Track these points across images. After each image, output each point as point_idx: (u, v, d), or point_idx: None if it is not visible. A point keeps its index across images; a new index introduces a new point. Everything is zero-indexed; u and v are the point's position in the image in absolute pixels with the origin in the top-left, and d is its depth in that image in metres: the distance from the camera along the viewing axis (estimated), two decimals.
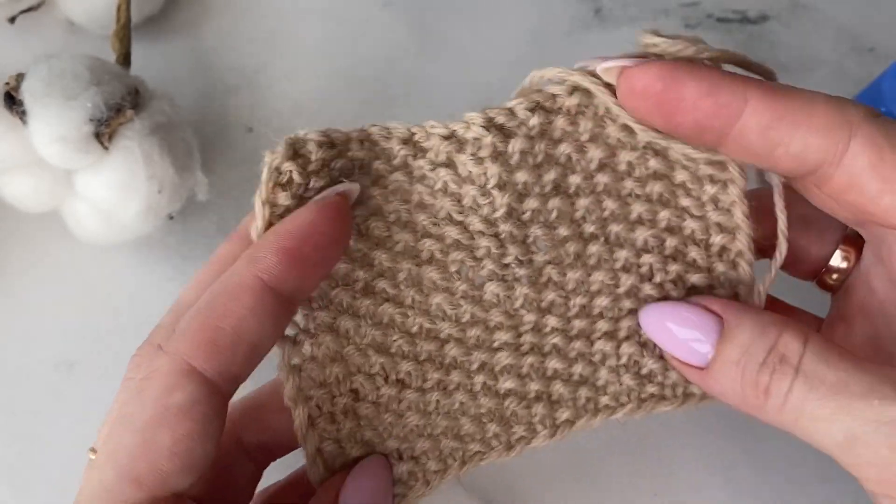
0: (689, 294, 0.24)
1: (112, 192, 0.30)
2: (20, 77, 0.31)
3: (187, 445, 0.19)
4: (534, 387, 0.24)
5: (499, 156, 0.23)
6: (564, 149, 0.23)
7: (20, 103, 0.30)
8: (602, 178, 0.23)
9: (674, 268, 0.24)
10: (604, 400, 0.25)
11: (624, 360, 0.24)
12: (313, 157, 0.22)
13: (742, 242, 0.24)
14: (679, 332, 0.22)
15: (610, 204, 0.24)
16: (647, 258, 0.24)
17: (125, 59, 0.35)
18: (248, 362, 0.20)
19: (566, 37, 0.40)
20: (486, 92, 0.39)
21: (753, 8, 0.41)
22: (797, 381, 0.19)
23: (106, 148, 0.30)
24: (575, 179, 0.23)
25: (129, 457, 0.19)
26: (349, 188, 0.22)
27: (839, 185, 0.21)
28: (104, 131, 0.30)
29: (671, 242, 0.24)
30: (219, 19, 0.39)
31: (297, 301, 0.21)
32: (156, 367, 0.20)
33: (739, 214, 0.23)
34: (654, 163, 0.23)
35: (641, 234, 0.24)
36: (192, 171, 0.32)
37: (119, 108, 0.30)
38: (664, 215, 0.24)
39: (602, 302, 0.24)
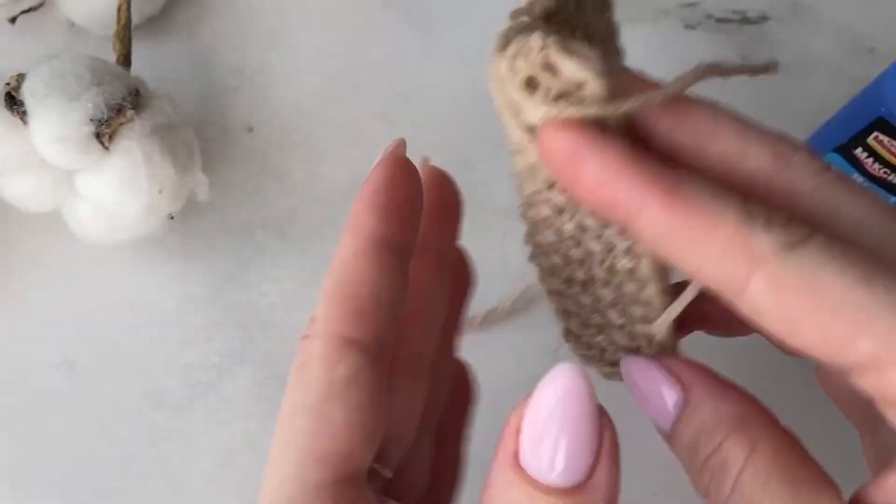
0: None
1: (113, 193, 0.30)
2: (21, 77, 0.31)
3: (362, 416, 0.18)
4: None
5: None
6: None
7: (21, 104, 0.30)
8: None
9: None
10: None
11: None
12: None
13: (656, 315, 0.21)
14: (648, 393, 0.20)
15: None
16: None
17: (126, 59, 0.35)
18: (393, 322, 0.20)
19: None
20: (485, 92, 0.39)
21: (753, 8, 0.41)
22: (731, 498, 0.17)
23: (107, 148, 0.30)
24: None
25: (307, 438, 0.18)
26: (398, 143, 0.23)
27: (746, 314, 0.17)
28: (105, 131, 0.30)
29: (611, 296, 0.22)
30: (219, 20, 0.39)
31: (409, 250, 0.21)
32: (310, 351, 0.19)
33: (652, 289, 0.21)
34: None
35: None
36: (192, 171, 0.32)
37: (120, 108, 0.30)
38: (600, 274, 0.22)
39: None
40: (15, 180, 0.31)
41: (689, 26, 0.41)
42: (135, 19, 0.36)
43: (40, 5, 0.37)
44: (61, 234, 0.33)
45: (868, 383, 0.16)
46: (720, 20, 0.41)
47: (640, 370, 0.20)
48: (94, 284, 0.34)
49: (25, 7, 0.37)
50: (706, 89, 0.41)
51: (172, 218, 0.33)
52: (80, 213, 0.32)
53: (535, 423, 0.17)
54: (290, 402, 0.19)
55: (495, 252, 0.36)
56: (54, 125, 0.29)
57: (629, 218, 0.17)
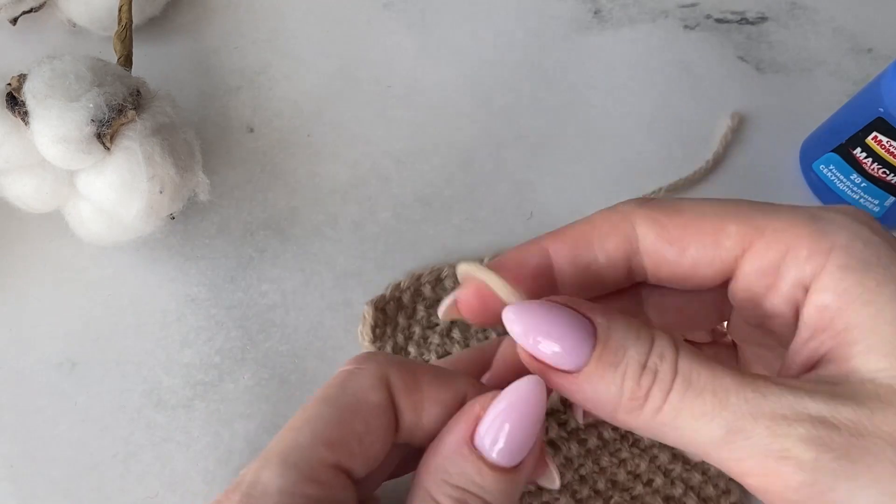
0: None
1: (114, 193, 0.30)
2: (22, 78, 0.31)
3: (373, 439, 0.21)
4: None
5: None
6: None
7: (22, 104, 0.30)
8: None
9: None
10: None
11: None
12: None
13: None
14: (551, 334, 0.21)
15: None
16: None
17: (127, 60, 0.35)
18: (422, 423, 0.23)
19: (565, 37, 0.40)
20: (486, 92, 0.39)
21: (752, 9, 0.41)
22: (676, 382, 0.19)
23: (108, 148, 0.30)
24: None
25: (326, 425, 0.21)
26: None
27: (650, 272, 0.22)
28: (106, 132, 0.30)
29: None
30: (220, 20, 0.40)
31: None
32: (364, 366, 0.22)
33: None
34: None
35: None
36: (193, 171, 0.32)
37: (121, 108, 0.30)
38: None
39: None
40: (16, 180, 0.31)
41: (688, 27, 0.41)
42: (136, 20, 0.36)
43: (42, 6, 0.37)
44: (62, 233, 0.33)
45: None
46: (719, 20, 0.41)
47: (539, 312, 0.21)
48: (95, 284, 0.34)
49: (27, 8, 0.37)
50: (708, 86, 0.42)
51: (173, 218, 0.33)
52: (81, 213, 0.32)
53: (496, 414, 0.21)
54: (325, 394, 0.22)
55: (495, 250, 0.36)
56: (55, 126, 0.29)
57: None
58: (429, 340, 0.33)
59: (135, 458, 0.32)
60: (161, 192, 0.31)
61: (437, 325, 0.33)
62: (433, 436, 0.23)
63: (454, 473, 0.21)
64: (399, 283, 0.34)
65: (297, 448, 0.21)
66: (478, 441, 0.21)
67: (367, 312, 0.33)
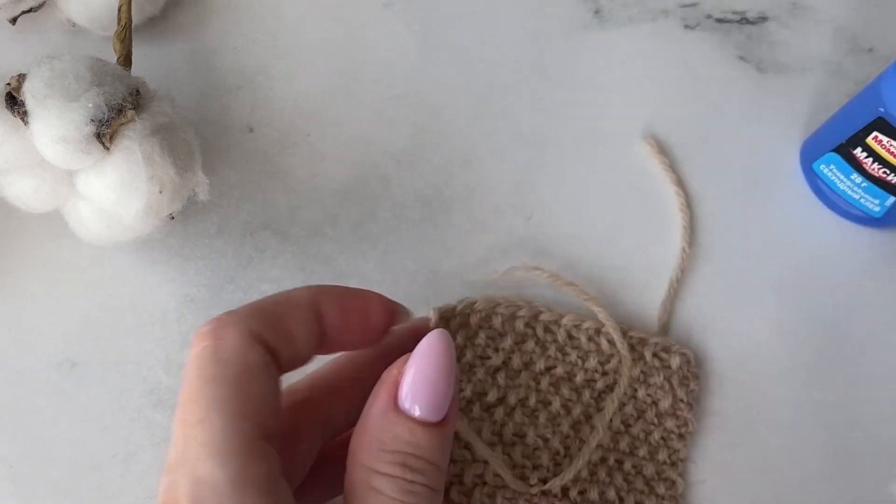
0: None
1: (113, 193, 0.30)
2: (22, 78, 0.31)
3: (274, 399, 0.22)
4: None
5: None
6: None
7: (22, 104, 0.30)
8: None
9: None
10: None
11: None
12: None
13: None
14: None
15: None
16: None
17: (126, 59, 0.35)
18: (302, 353, 0.23)
19: (565, 37, 0.40)
20: (486, 92, 0.39)
21: (752, 9, 0.41)
22: None
23: (107, 148, 0.30)
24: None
25: (233, 402, 0.20)
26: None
27: None
28: (106, 132, 0.30)
29: None
30: (220, 20, 0.39)
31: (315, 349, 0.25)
32: (226, 333, 0.21)
33: None
34: None
35: None
36: (193, 171, 0.32)
37: (120, 108, 0.30)
38: None
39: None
40: (16, 180, 0.31)
41: (688, 26, 0.41)
42: (135, 20, 0.36)
43: (41, 6, 0.37)
44: (62, 234, 0.33)
45: None
46: (720, 20, 0.41)
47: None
48: (95, 284, 0.34)
49: (26, 7, 0.37)
50: (707, 87, 0.42)
51: (173, 218, 0.33)
52: (80, 213, 0.32)
53: (413, 372, 0.22)
54: (202, 375, 0.21)
55: (495, 250, 0.36)
56: (55, 125, 0.29)
57: None
58: (474, 370, 0.32)
59: (135, 458, 0.32)
60: (161, 192, 0.31)
61: (489, 358, 0.33)
62: (342, 343, 0.24)
63: (388, 440, 0.22)
64: (474, 302, 0.33)
65: (219, 435, 0.20)
66: (401, 403, 0.22)
67: (432, 317, 0.32)
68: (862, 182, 0.35)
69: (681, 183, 0.37)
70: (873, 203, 0.35)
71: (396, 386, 0.23)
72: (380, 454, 0.22)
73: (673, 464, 0.32)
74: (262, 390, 0.21)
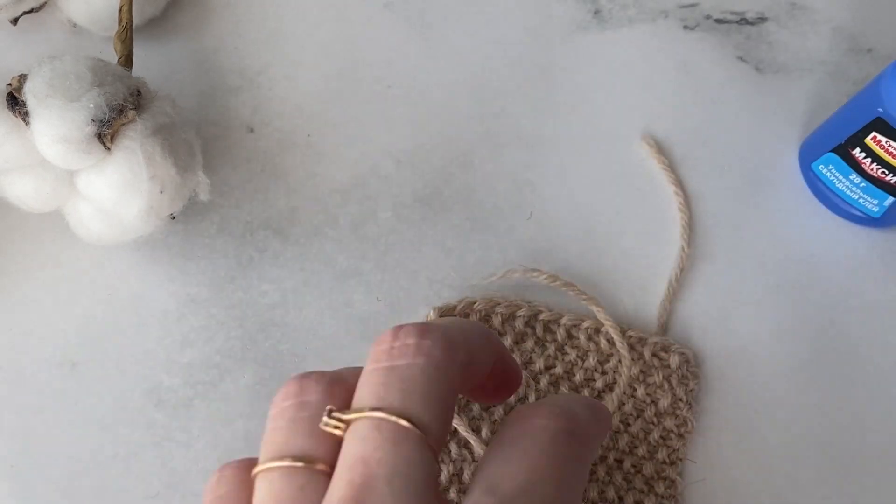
0: None
1: (114, 193, 0.30)
2: (23, 78, 0.31)
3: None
4: None
5: None
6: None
7: (23, 104, 0.30)
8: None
9: None
10: None
11: None
12: None
13: None
14: None
15: None
16: None
17: (127, 60, 0.35)
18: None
19: (565, 38, 0.40)
20: (486, 92, 0.39)
21: (752, 9, 0.41)
22: None
23: (108, 148, 0.30)
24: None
25: None
26: None
27: None
28: (106, 132, 0.30)
29: None
30: (220, 21, 0.40)
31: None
32: (406, 450, 0.20)
33: None
34: None
35: None
36: (193, 171, 0.32)
37: (121, 108, 0.31)
38: None
39: None
40: (17, 180, 0.31)
41: (687, 27, 0.41)
42: (136, 20, 0.36)
43: (42, 6, 0.37)
44: (63, 234, 0.33)
45: None
46: (719, 21, 0.41)
47: None
48: (96, 284, 0.34)
49: (27, 8, 0.37)
50: (706, 88, 0.42)
51: (174, 218, 0.33)
52: (81, 213, 0.32)
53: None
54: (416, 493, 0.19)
55: (495, 250, 0.36)
56: (56, 126, 0.29)
57: None
58: None
59: (135, 457, 0.32)
60: (161, 192, 0.31)
61: None
62: None
63: None
64: (474, 302, 0.33)
65: None
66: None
67: (431, 317, 0.32)
68: (861, 182, 0.35)
69: (680, 183, 0.37)
70: (872, 203, 0.35)
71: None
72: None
73: (672, 463, 0.33)
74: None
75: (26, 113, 0.30)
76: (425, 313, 0.34)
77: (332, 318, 0.34)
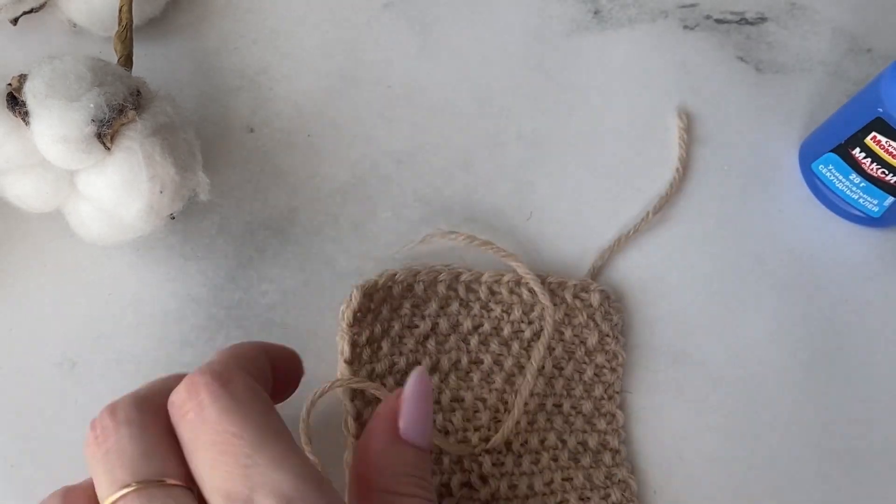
0: None
1: (114, 193, 0.30)
2: (23, 78, 0.31)
3: None
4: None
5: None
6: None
7: (23, 104, 0.30)
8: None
9: None
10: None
11: None
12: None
13: None
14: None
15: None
16: None
17: (127, 60, 0.35)
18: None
19: (565, 38, 0.40)
20: (486, 92, 0.39)
21: (751, 9, 0.41)
22: None
23: (108, 148, 0.30)
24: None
25: (283, 429, 0.23)
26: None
27: None
28: (106, 132, 0.30)
29: None
30: (220, 21, 0.40)
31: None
32: (234, 382, 0.24)
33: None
34: None
35: None
36: (193, 171, 0.32)
37: (121, 108, 0.31)
38: None
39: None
40: (17, 180, 0.31)
41: (687, 27, 0.41)
42: (136, 20, 0.36)
43: (42, 6, 0.37)
44: (63, 233, 0.33)
45: None
46: (719, 21, 0.41)
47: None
48: (96, 284, 0.34)
49: (27, 8, 0.37)
50: (706, 88, 0.42)
51: (174, 218, 0.33)
52: (81, 213, 0.32)
53: (411, 408, 0.26)
54: (248, 416, 0.22)
55: (493, 251, 0.36)
56: (56, 126, 0.29)
57: None
58: (404, 341, 0.33)
59: None
60: (161, 192, 0.31)
61: (416, 327, 0.33)
62: None
63: (401, 466, 0.25)
64: (395, 274, 0.33)
65: (289, 457, 0.22)
66: (404, 434, 0.26)
67: (355, 296, 0.32)
68: (860, 182, 0.35)
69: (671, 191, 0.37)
70: (872, 203, 0.35)
71: (395, 420, 0.26)
72: (398, 478, 0.25)
73: (610, 397, 0.33)
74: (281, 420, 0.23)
75: (26, 113, 0.30)
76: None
77: (332, 318, 0.34)
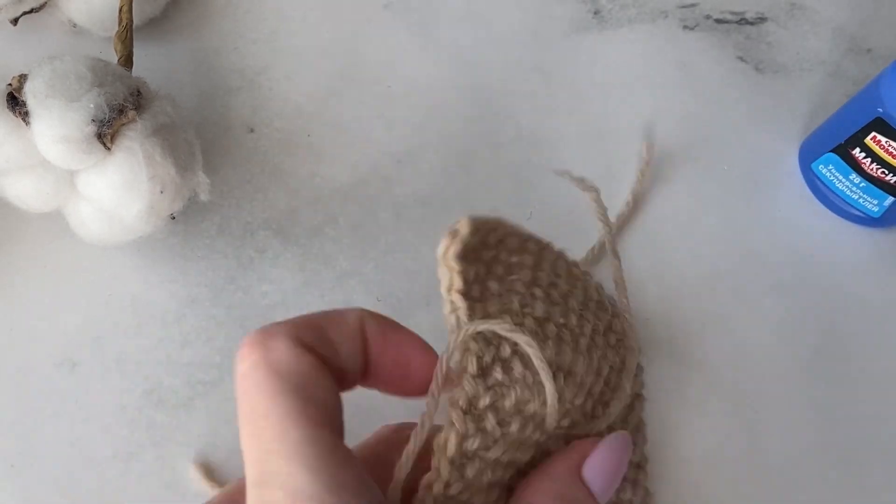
0: None
1: (114, 193, 0.30)
2: (23, 78, 0.31)
3: (338, 401, 0.22)
4: None
5: None
6: None
7: (23, 104, 0.30)
8: None
9: None
10: None
11: None
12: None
13: None
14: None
15: None
16: None
17: (127, 60, 0.35)
18: (346, 370, 0.23)
19: (565, 38, 0.40)
20: (485, 92, 0.39)
21: (751, 9, 0.41)
22: None
23: (108, 149, 0.30)
24: None
25: (305, 412, 0.21)
26: None
27: None
28: (107, 132, 0.30)
29: None
30: (220, 21, 0.40)
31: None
32: (274, 344, 0.22)
33: None
34: None
35: None
36: (193, 171, 0.32)
37: (121, 109, 0.31)
38: None
39: None
40: (17, 181, 0.31)
41: (687, 27, 0.41)
42: (136, 20, 0.36)
43: (42, 6, 0.37)
44: (63, 234, 0.33)
45: None
46: (718, 21, 0.41)
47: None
48: (96, 284, 0.34)
49: (27, 8, 0.37)
50: (706, 88, 0.42)
51: (174, 218, 0.33)
52: (81, 213, 0.32)
53: (601, 456, 0.25)
54: (267, 390, 0.21)
55: None
56: (56, 126, 0.29)
57: None
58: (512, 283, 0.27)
59: (135, 458, 0.32)
60: (161, 193, 0.31)
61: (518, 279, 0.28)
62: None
63: (569, 496, 0.24)
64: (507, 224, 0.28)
65: (304, 447, 0.20)
66: (585, 473, 0.25)
67: (464, 224, 0.24)
68: (860, 182, 0.35)
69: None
70: (872, 203, 0.36)
71: (585, 456, 0.25)
72: (561, 501, 0.24)
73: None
74: (325, 395, 0.21)
75: (26, 113, 0.30)
76: (426, 313, 0.33)
77: None
